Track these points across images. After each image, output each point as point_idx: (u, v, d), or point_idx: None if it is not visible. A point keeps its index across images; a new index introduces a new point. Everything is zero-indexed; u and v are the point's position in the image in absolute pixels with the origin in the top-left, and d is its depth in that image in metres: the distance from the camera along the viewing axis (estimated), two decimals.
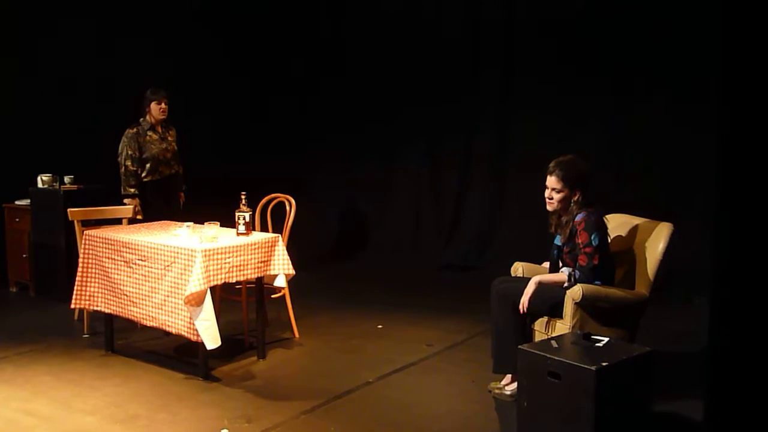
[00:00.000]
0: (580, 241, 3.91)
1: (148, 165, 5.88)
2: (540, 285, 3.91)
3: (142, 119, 5.91)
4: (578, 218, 3.94)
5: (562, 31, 6.77)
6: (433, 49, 7.57)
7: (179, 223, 4.88)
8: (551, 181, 4.02)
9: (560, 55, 6.80)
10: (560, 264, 4.08)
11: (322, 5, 8.32)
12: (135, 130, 5.87)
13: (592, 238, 3.88)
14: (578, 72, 6.70)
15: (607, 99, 6.61)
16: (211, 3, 8.08)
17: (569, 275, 3.91)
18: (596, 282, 3.89)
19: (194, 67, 7.81)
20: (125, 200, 5.81)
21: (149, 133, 5.90)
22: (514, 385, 3.92)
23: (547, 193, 4.05)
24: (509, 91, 7.24)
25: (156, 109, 5.87)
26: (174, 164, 6.04)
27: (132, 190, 5.82)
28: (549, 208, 4.08)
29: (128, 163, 5.83)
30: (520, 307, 3.90)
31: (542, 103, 6.94)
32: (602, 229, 3.96)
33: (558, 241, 4.09)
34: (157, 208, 5.87)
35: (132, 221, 5.46)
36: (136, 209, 5.75)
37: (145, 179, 5.90)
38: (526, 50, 7.08)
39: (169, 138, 6.01)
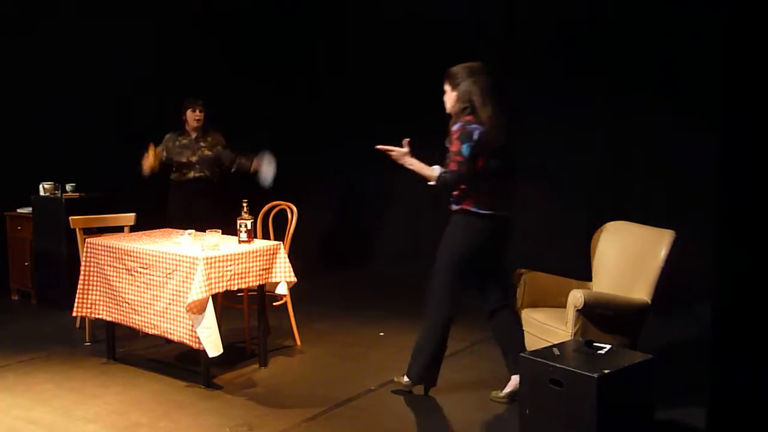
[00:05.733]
0: (452, 149, 3.94)
1: (173, 167, 6.18)
2: (410, 165, 4.01)
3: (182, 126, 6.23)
4: (455, 127, 3.99)
5: (564, 36, 6.77)
6: (434, 56, 7.55)
7: (181, 231, 4.90)
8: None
9: (561, 62, 6.80)
10: None
11: (323, 12, 8.33)
12: (170, 134, 6.19)
13: (463, 147, 3.90)
14: (579, 79, 6.70)
15: (609, 106, 6.61)
16: (213, 8, 8.08)
17: (440, 175, 3.93)
18: (462, 186, 3.95)
19: (194, 73, 7.79)
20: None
21: (180, 138, 6.16)
22: (510, 388, 3.99)
23: None
24: (510, 98, 7.22)
25: (191, 117, 6.13)
26: (202, 169, 6.13)
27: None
28: None
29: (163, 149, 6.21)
30: (384, 149, 4.05)
31: (543, 110, 6.93)
32: (474, 142, 3.92)
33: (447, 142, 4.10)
34: (177, 207, 6.14)
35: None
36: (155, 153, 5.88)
37: (171, 177, 6.21)
38: (526, 57, 7.08)
39: (202, 144, 6.14)
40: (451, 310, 4.12)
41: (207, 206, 6.07)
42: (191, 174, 6.13)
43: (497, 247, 4.16)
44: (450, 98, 4.11)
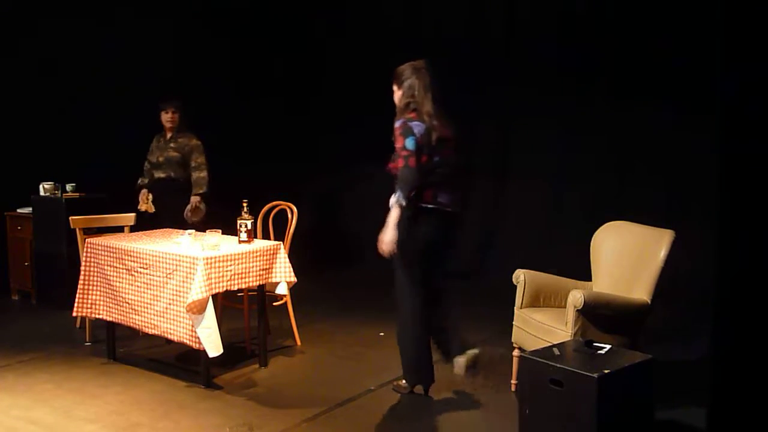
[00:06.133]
0: (397, 145, 3.97)
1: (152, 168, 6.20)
2: (390, 232, 3.94)
3: None
4: (397, 124, 4.02)
5: (564, 36, 6.78)
6: (434, 57, 7.56)
7: (181, 231, 4.90)
8: None
9: (562, 62, 6.80)
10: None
11: (324, 15, 8.34)
12: (156, 136, 6.22)
13: (407, 142, 3.93)
14: (579, 79, 6.70)
15: (609, 106, 6.61)
16: (213, 7, 8.07)
17: (396, 199, 3.93)
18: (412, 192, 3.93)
19: (194, 74, 7.80)
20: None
21: (159, 139, 6.17)
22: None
23: None
24: (510, 98, 7.24)
25: (164, 118, 6.09)
26: (168, 170, 6.06)
27: (140, 182, 6.20)
28: None
29: (146, 162, 6.23)
30: (385, 253, 3.98)
31: (543, 110, 6.93)
32: (417, 137, 3.94)
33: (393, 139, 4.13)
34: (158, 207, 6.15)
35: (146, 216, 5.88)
36: (143, 198, 6.10)
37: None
38: (527, 56, 7.08)
39: (172, 145, 6.06)
40: (421, 306, 4.12)
41: (172, 206, 6.00)
42: (157, 174, 6.11)
43: (446, 243, 4.18)
44: (397, 97, 4.15)
